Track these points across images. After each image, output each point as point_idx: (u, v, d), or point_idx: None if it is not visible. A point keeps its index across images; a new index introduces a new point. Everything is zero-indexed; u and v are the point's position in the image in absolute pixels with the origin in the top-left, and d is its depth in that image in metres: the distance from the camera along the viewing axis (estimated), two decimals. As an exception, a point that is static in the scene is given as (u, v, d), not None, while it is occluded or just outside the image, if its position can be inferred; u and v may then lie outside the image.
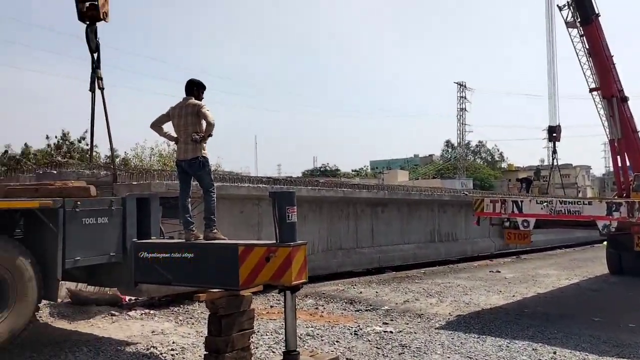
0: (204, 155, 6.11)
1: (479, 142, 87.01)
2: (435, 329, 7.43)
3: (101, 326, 7.24)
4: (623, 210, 7.43)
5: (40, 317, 7.16)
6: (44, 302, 6.55)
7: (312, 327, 7.33)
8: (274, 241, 5.51)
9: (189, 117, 6.05)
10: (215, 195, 6.23)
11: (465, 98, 67.51)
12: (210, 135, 6.09)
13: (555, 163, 27.31)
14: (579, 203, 8.03)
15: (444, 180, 52.09)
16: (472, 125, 78.66)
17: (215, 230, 6.05)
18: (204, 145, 6.11)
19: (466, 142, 72.66)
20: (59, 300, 7.19)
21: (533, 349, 6.40)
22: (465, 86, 67.25)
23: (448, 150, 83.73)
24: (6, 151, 29.95)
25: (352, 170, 75.83)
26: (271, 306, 8.82)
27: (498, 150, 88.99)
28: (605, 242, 13.66)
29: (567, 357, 6.12)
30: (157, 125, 6.35)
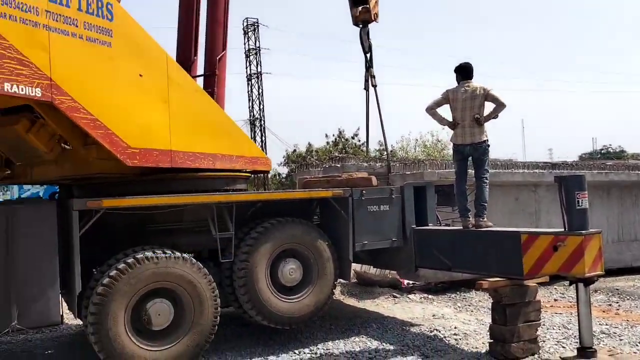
0: (487, 138, 6.06)
1: None
2: None
3: (385, 306, 7.80)
4: None
5: (333, 294, 8.08)
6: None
7: (606, 324, 6.62)
8: (561, 229, 5.13)
9: (475, 100, 6.01)
10: (488, 182, 6.10)
11: None
12: (496, 117, 5.97)
13: None
14: None
15: None
16: None
17: (485, 218, 5.92)
18: (485, 129, 6.05)
19: None
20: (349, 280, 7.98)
21: None
22: None
23: None
24: (294, 150, 34.50)
25: (643, 151, 66.30)
26: (555, 299, 8.24)
27: None
28: None
29: None
30: (433, 109, 6.32)
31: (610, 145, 68.56)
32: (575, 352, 5.10)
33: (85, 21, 4.80)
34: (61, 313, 5.02)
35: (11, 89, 4.28)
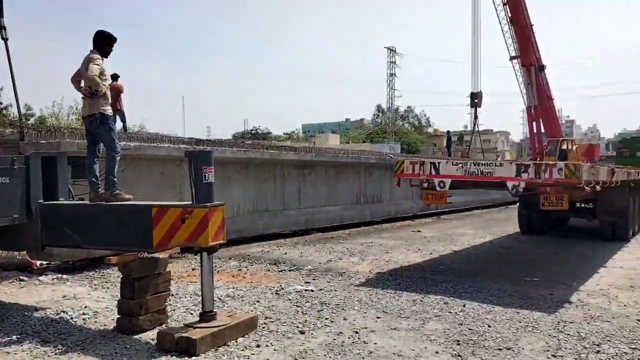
0: (102, 111, 5.79)
1: (408, 107, 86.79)
2: (355, 286, 7.28)
3: (8, 292, 6.77)
4: (531, 171, 7.43)
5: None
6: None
7: (233, 288, 7.02)
8: (190, 202, 5.07)
9: (87, 71, 5.72)
10: (118, 155, 5.91)
11: (395, 63, 66.57)
12: (97, 91, 5.68)
13: (476, 128, 31.24)
14: (491, 165, 8.06)
15: (374, 145, 50.40)
16: (401, 90, 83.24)
17: (117, 191, 5.79)
18: (103, 101, 5.78)
19: (395, 107, 71.66)
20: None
21: (445, 303, 6.40)
22: (395, 51, 66.45)
23: (379, 115, 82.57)
24: None
25: (284, 134, 75.84)
26: (193, 269, 8.22)
27: (425, 116, 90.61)
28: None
29: (475, 309, 6.12)
30: (74, 80, 5.97)
31: (259, 126, 75.22)
32: (199, 318, 5.09)
33: None
34: None
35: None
